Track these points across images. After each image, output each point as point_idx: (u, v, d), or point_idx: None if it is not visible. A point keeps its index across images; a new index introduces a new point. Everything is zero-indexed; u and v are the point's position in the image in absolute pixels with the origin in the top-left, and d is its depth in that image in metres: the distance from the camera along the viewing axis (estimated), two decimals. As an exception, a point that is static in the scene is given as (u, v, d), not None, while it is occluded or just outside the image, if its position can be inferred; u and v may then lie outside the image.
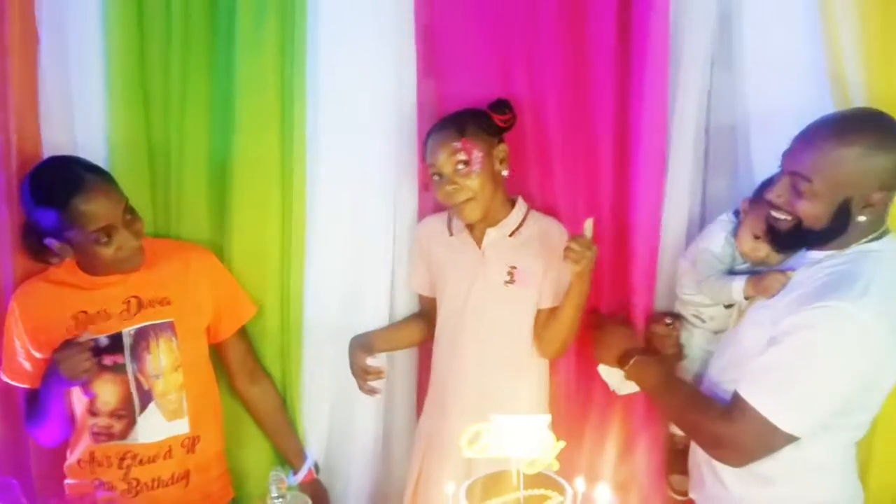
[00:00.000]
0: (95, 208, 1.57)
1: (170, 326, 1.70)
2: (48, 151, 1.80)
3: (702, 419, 1.49)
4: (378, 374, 1.79)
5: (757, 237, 1.56)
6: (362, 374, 1.79)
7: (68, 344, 1.59)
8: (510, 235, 1.77)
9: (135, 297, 1.69)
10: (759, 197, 1.57)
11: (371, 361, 1.78)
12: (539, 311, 1.78)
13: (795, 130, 1.49)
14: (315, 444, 1.92)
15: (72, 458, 1.73)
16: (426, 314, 1.92)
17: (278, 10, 1.76)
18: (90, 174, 1.62)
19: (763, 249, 1.56)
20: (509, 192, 1.82)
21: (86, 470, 1.70)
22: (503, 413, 1.65)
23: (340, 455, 1.96)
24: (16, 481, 1.59)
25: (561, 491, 1.14)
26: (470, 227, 1.79)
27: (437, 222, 1.87)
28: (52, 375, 1.58)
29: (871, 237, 1.43)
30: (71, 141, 1.83)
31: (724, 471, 1.53)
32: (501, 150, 1.75)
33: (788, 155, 1.43)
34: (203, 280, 1.77)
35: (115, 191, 1.63)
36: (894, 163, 1.35)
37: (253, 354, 1.89)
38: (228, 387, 1.89)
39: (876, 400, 1.45)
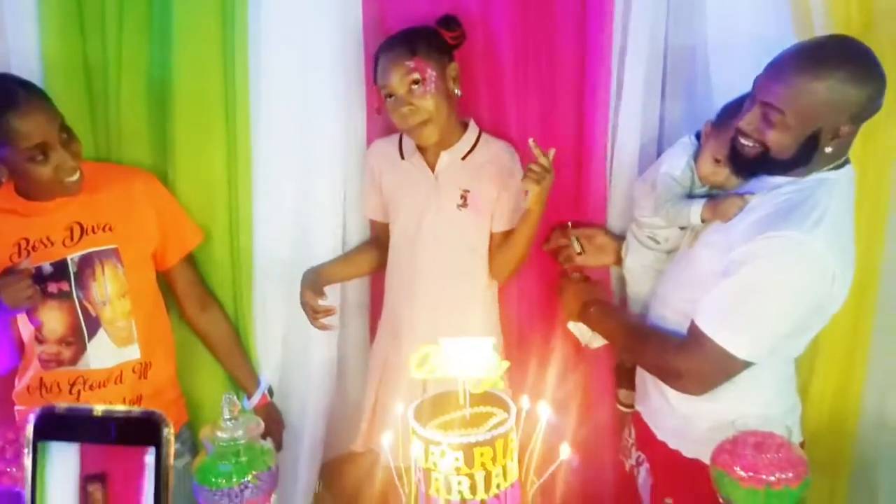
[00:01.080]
0: (29, 124, 1.52)
1: (114, 253, 1.67)
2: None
3: (661, 355, 1.53)
4: (328, 312, 1.78)
5: (717, 161, 1.57)
6: (312, 313, 1.78)
7: (9, 271, 1.56)
8: (463, 159, 1.76)
9: (77, 223, 1.65)
10: (722, 121, 1.57)
11: (322, 302, 1.77)
12: (493, 235, 1.79)
13: (755, 53, 1.50)
14: (269, 370, 1.93)
15: (20, 384, 1.72)
16: (379, 241, 1.91)
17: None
18: (22, 89, 1.55)
19: (722, 174, 1.57)
20: (460, 114, 1.79)
21: (35, 396, 1.69)
22: (456, 334, 1.72)
23: (295, 379, 1.97)
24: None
25: (506, 408, 1.17)
26: (422, 151, 1.77)
27: (387, 146, 1.83)
28: None
29: (831, 166, 1.45)
30: (3, 59, 1.75)
31: (668, 387, 1.59)
32: (453, 68, 1.71)
33: (760, 84, 1.42)
34: (146, 205, 1.73)
35: (50, 107, 1.57)
36: (866, 96, 1.36)
37: (201, 282, 1.87)
38: (179, 314, 1.88)
39: (822, 322, 1.50)
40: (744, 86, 1.50)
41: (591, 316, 1.72)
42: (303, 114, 1.79)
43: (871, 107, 1.38)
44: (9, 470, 1.31)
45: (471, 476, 1.09)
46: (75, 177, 1.61)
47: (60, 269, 1.64)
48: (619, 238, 1.84)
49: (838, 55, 1.36)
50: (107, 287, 1.67)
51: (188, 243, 1.81)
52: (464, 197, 1.75)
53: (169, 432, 0.80)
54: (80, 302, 1.66)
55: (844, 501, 1.90)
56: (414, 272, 1.80)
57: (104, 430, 0.86)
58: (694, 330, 1.46)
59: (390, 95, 1.68)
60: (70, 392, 1.68)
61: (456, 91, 1.72)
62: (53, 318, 1.65)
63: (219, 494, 1.29)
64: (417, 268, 1.79)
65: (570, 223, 1.88)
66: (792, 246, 1.37)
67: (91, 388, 1.69)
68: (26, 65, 1.73)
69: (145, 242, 1.74)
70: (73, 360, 1.67)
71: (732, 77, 1.65)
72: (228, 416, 1.34)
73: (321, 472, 2.04)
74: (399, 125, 1.71)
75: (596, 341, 1.81)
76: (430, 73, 1.65)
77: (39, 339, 1.66)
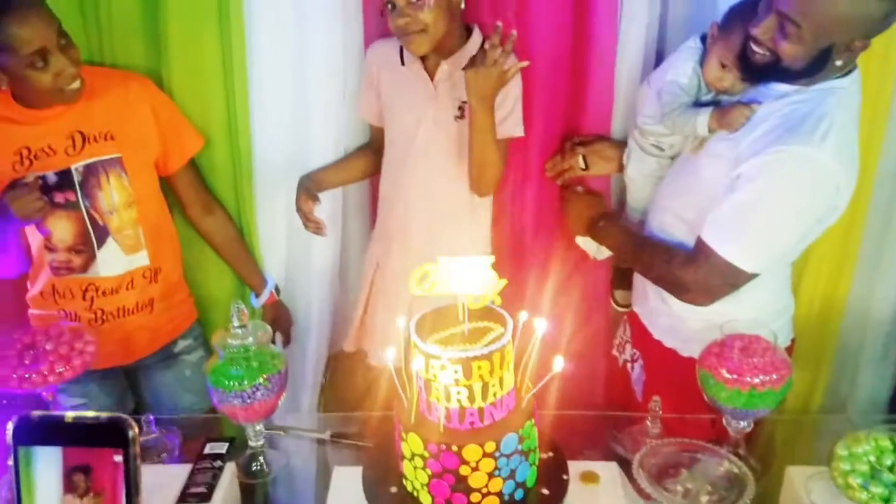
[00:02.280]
0: (27, 29, 1.48)
1: (118, 162, 1.67)
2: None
3: (668, 268, 1.55)
4: (317, 225, 1.80)
5: (724, 66, 1.54)
6: (305, 219, 1.79)
7: (17, 184, 1.56)
8: (463, 69, 1.72)
9: (78, 131, 1.64)
10: (728, 23, 1.53)
11: (316, 209, 1.78)
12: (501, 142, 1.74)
13: None
14: (273, 270, 1.98)
15: (34, 289, 1.77)
16: (375, 145, 1.90)
17: None
18: None
19: (728, 79, 1.54)
20: (466, 19, 1.73)
21: (49, 301, 1.74)
22: (447, 245, 1.76)
23: (300, 279, 2.02)
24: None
25: (503, 322, 1.22)
26: (423, 59, 1.73)
27: (388, 48, 1.79)
28: (3, 216, 1.57)
29: (839, 75, 1.43)
30: None
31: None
32: None
33: None
34: (146, 112, 1.71)
35: (47, 12, 1.53)
36: (884, 11, 1.33)
37: (204, 186, 1.88)
38: (184, 217, 1.90)
39: (823, 229, 1.51)
40: None
41: (599, 230, 1.74)
42: (299, 12, 1.74)
43: (885, 22, 1.35)
44: (27, 376, 1.38)
45: (469, 387, 1.15)
46: (76, 84, 1.58)
47: (65, 178, 1.64)
48: (622, 145, 1.82)
49: None
50: (113, 196, 1.68)
51: (189, 149, 1.81)
52: (461, 108, 1.72)
53: (134, 434, 0.96)
54: (88, 211, 1.67)
55: (824, 391, 2.01)
56: (408, 180, 1.80)
57: (77, 434, 0.97)
58: (701, 244, 1.49)
59: (391, 3, 1.62)
60: (83, 298, 1.73)
61: (461, 3, 1.67)
62: (62, 228, 1.67)
63: (232, 395, 1.38)
64: (411, 176, 1.79)
65: (573, 141, 1.85)
66: (800, 161, 1.38)
67: (103, 294, 1.73)
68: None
69: (147, 150, 1.73)
70: (84, 268, 1.71)
71: None
72: (238, 324, 1.40)
73: (327, 366, 2.14)
74: (395, 33, 1.67)
75: (602, 254, 1.83)
76: None
77: (49, 248, 1.69)
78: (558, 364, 1.16)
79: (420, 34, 1.64)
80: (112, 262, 1.72)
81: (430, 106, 1.75)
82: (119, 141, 1.68)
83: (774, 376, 1.37)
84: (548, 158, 1.88)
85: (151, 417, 1.52)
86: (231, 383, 1.37)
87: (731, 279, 1.48)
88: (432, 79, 1.74)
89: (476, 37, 1.74)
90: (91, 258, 1.70)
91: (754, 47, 1.42)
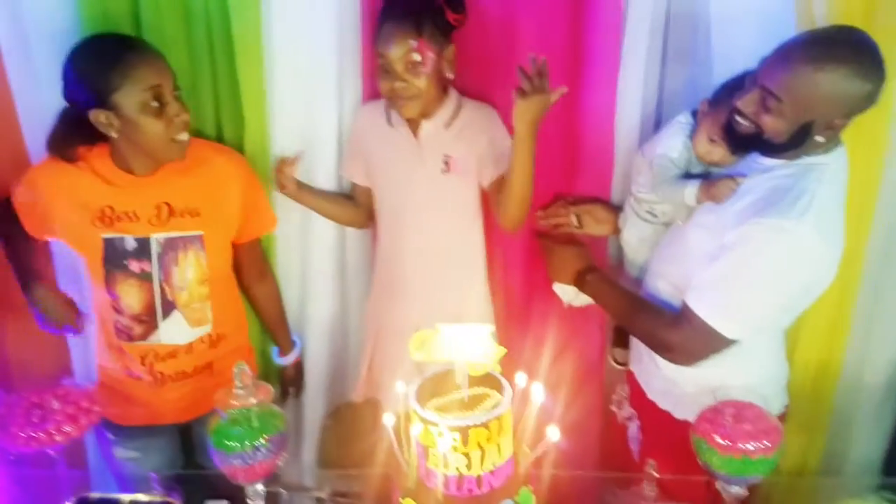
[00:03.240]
0: (148, 67, 1.52)
1: (199, 240, 1.68)
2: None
3: (654, 328, 1.59)
4: (283, 182, 1.82)
5: (713, 141, 1.60)
6: (279, 166, 1.82)
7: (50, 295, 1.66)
8: (445, 127, 1.78)
9: (166, 203, 1.64)
10: (718, 99, 1.60)
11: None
12: (491, 186, 1.80)
13: (755, 29, 1.57)
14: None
15: (101, 346, 1.78)
16: (356, 200, 1.94)
17: None
18: (138, 39, 1.60)
19: (717, 152, 1.60)
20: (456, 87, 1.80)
21: (115, 357, 1.75)
22: (446, 300, 1.82)
23: (298, 332, 2.06)
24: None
25: (500, 388, 1.24)
26: (407, 119, 1.79)
27: (374, 112, 1.85)
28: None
29: (822, 151, 1.47)
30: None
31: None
32: (451, 51, 1.72)
33: (765, 67, 1.42)
34: (235, 192, 1.72)
35: (164, 60, 1.58)
36: (866, 93, 1.37)
37: (263, 257, 1.92)
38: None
39: (811, 300, 1.55)
40: (743, 58, 1.53)
41: (586, 284, 1.77)
42: (303, 79, 1.81)
43: (867, 102, 1.40)
44: (34, 434, 1.41)
45: (467, 455, 1.17)
46: (185, 136, 1.58)
47: (144, 246, 1.64)
48: (618, 209, 1.87)
49: (845, 50, 1.36)
50: (187, 273, 1.68)
51: (263, 229, 1.85)
52: (447, 162, 1.78)
53: None
54: (160, 284, 1.67)
55: (820, 453, 2.02)
56: (403, 237, 1.85)
57: None
58: (685, 308, 1.53)
59: (386, 68, 1.68)
60: (143, 364, 1.73)
61: (449, 74, 1.73)
62: (131, 295, 1.67)
63: (233, 456, 1.39)
64: (405, 232, 1.84)
65: (567, 200, 1.90)
66: (777, 233, 1.42)
67: (162, 359, 1.73)
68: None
69: (228, 229, 1.75)
70: (144, 336, 1.70)
71: (733, 48, 1.67)
72: (240, 385, 1.43)
73: (331, 416, 2.15)
74: (386, 96, 1.73)
75: (578, 301, 1.86)
76: (430, 56, 1.66)
77: (116, 310, 1.69)
78: (554, 434, 1.19)
79: (411, 99, 1.70)
80: (175, 332, 1.72)
81: (416, 162, 1.81)
82: (204, 218, 1.68)
83: (767, 443, 1.38)
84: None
85: (154, 476, 1.53)
86: (232, 444, 1.38)
87: (712, 343, 1.52)
88: (416, 137, 1.80)
89: (452, 97, 1.79)
90: (152, 328, 1.70)
91: (738, 119, 1.48)
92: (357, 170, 1.91)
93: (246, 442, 1.38)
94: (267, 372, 2.03)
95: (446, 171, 1.79)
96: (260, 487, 1.46)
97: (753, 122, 1.45)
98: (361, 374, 2.01)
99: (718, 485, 1.45)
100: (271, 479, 1.47)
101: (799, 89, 1.37)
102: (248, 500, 1.47)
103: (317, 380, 2.09)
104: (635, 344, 1.84)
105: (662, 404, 1.73)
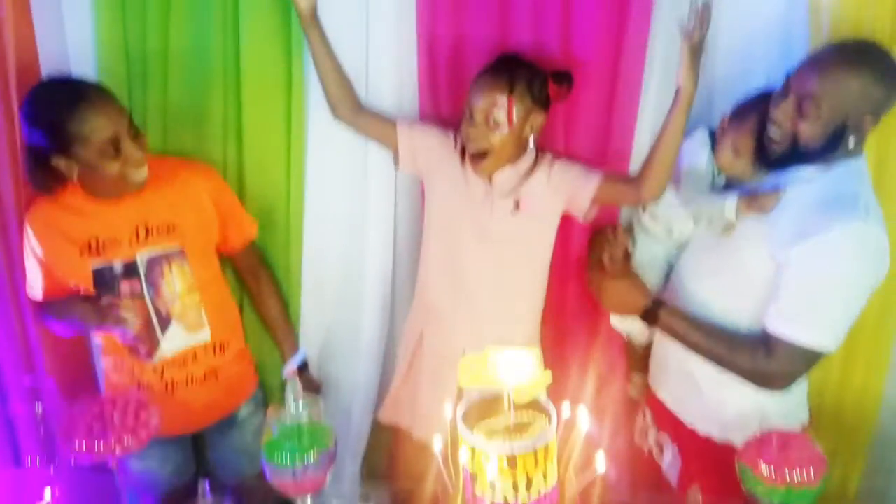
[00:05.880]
0: (102, 119, 1.57)
1: (181, 253, 1.74)
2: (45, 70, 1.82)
3: (747, 361, 1.57)
4: None
5: (737, 152, 1.64)
6: None
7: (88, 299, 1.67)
8: (521, 176, 1.78)
9: (143, 223, 1.71)
10: (738, 116, 1.66)
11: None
12: (603, 188, 1.74)
13: (767, 49, 1.67)
14: (316, 335, 2.06)
15: (107, 361, 1.84)
16: (374, 127, 1.85)
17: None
18: (91, 85, 1.63)
19: (740, 164, 1.65)
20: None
21: (123, 371, 1.81)
22: (497, 331, 1.80)
23: (345, 347, 2.08)
24: (52, 380, 1.73)
25: (547, 414, 1.27)
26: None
27: (449, 140, 1.83)
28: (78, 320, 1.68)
29: (850, 156, 1.54)
30: (61, 51, 1.82)
31: (702, 375, 1.67)
32: (539, 120, 1.73)
33: (797, 77, 1.51)
34: (208, 201, 1.78)
35: (118, 103, 1.63)
36: (888, 95, 1.49)
37: (260, 262, 1.97)
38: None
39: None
40: (756, 77, 1.70)
41: (659, 320, 1.67)
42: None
43: (890, 104, 1.50)
44: (95, 446, 1.46)
45: (514, 481, 1.20)
46: (142, 171, 1.66)
47: (131, 268, 1.71)
48: None
49: (871, 56, 1.49)
50: (176, 285, 1.74)
51: (247, 234, 1.90)
52: (517, 202, 1.78)
53: None
54: (152, 301, 1.73)
55: (860, 478, 2.00)
56: (458, 267, 1.83)
57: None
58: (774, 339, 1.52)
59: (471, 114, 1.70)
60: (154, 371, 1.80)
61: (530, 137, 1.74)
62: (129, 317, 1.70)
63: (283, 470, 1.43)
64: (460, 262, 1.83)
65: (613, 226, 1.88)
66: (857, 235, 1.46)
67: (171, 367, 1.80)
68: (83, 55, 1.81)
69: (208, 238, 1.81)
70: (150, 354, 1.77)
71: (745, 67, 1.76)
72: (292, 401, 1.47)
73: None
74: (464, 138, 1.74)
75: (643, 336, 1.86)
76: (514, 115, 1.67)
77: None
78: (601, 463, 1.21)
79: (484, 156, 1.72)
80: (175, 341, 1.78)
81: (485, 202, 1.80)
82: (181, 231, 1.74)
83: (812, 473, 1.39)
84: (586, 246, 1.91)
85: (207, 483, 1.57)
86: (283, 458, 1.42)
87: (811, 363, 1.54)
88: (490, 180, 1.79)
89: (531, 150, 1.79)
90: (155, 345, 1.77)
91: (773, 128, 1.53)
92: (407, 164, 1.87)
93: (296, 457, 1.42)
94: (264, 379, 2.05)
95: (515, 211, 1.78)
96: (309, 501, 1.50)
97: (789, 130, 1.51)
98: (393, 390, 2.01)
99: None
100: (319, 493, 1.51)
101: (834, 90, 1.46)
102: (297, 513, 1.51)
103: (365, 397, 2.10)
104: (658, 370, 1.84)
105: (702, 429, 1.73)
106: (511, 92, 1.66)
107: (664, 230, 1.78)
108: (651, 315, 1.66)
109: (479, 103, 1.68)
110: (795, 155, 1.53)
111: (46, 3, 1.79)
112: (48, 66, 1.82)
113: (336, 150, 1.89)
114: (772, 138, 1.54)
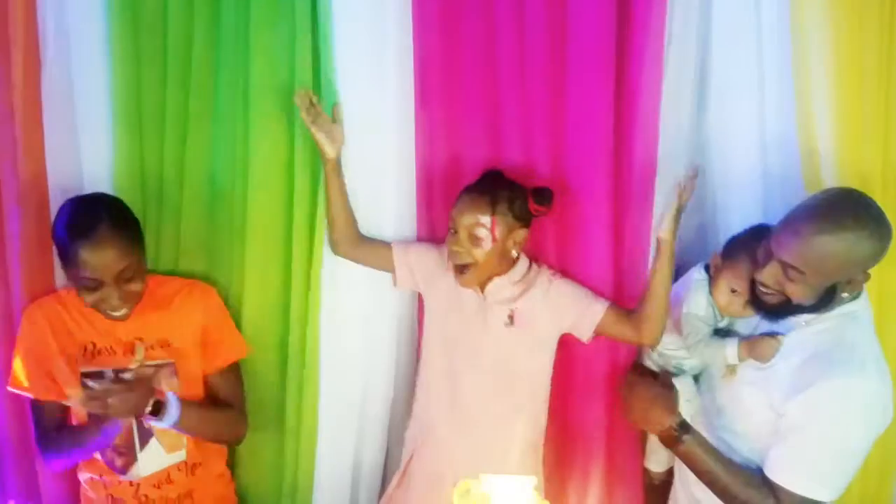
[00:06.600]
0: (95, 260, 1.58)
1: (171, 366, 1.75)
2: (53, 184, 1.85)
3: (753, 498, 1.55)
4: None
5: (734, 291, 1.64)
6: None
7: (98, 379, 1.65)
8: (513, 285, 1.80)
9: (138, 338, 1.73)
10: (731, 253, 1.66)
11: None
12: (607, 319, 1.76)
13: (759, 185, 1.69)
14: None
15: (84, 474, 1.81)
16: (373, 253, 1.88)
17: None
18: (106, 222, 1.60)
19: (738, 303, 1.65)
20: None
21: (98, 486, 1.79)
22: (494, 455, 1.78)
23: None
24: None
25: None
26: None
27: (441, 255, 1.85)
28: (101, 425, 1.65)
29: (849, 300, 1.54)
30: (76, 170, 1.87)
31: None
32: (521, 235, 1.76)
33: (778, 242, 1.48)
34: (197, 318, 1.79)
35: (123, 248, 1.62)
36: (880, 248, 1.45)
37: (237, 394, 1.88)
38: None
39: None
40: (749, 212, 1.73)
41: (681, 445, 1.60)
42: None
43: (881, 256, 1.46)
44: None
45: None
46: (120, 313, 1.67)
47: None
48: None
49: (852, 213, 1.43)
50: None
51: (227, 356, 1.84)
52: (510, 316, 1.80)
53: None
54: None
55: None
56: (452, 383, 1.84)
57: None
58: (776, 486, 1.52)
59: (454, 230, 1.74)
60: (130, 484, 1.77)
61: (514, 253, 1.77)
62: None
63: None
64: (459, 383, 1.83)
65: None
66: (848, 394, 1.46)
67: (147, 485, 1.77)
68: (98, 178, 1.85)
69: (197, 358, 1.80)
70: (125, 469, 1.75)
71: (738, 202, 1.80)
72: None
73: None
74: (448, 253, 1.77)
75: (660, 466, 1.87)
76: (497, 234, 1.70)
77: None
78: None
79: (470, 269, 1.73)
80: (152, 461, 1.76)
81: (479, 313, 1.81)
82: (175, 348, 1.76)
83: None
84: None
85: None
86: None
87: None
88: (482, 290, 1.81)
89: (522, 262, 1.82)
90: (132, 460, 1.75)
91: (763, 289, 1.53)
92: (405, 280, 1.89)
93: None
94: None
95: (510, 325, 1.80)
96: None
97: (778, 290, 1.51)
98: (388, 494, 1.97)
99: None
100: None
101: (817, 259, 1.43)
102: None
103: (371, 482, 2.08)
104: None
105: None
106: (493, 211, 1.69)
107: (676, 367, 1.78)
108: (672, 438, 1.60)
109: (462, 221, 1.71)
110: (790, 309, 1.53)
111: (60, 123, 1.84)
112: (58, 182, 1.86)
113: (348, 286, 1.92)
114: (764, 296, 1.54)
